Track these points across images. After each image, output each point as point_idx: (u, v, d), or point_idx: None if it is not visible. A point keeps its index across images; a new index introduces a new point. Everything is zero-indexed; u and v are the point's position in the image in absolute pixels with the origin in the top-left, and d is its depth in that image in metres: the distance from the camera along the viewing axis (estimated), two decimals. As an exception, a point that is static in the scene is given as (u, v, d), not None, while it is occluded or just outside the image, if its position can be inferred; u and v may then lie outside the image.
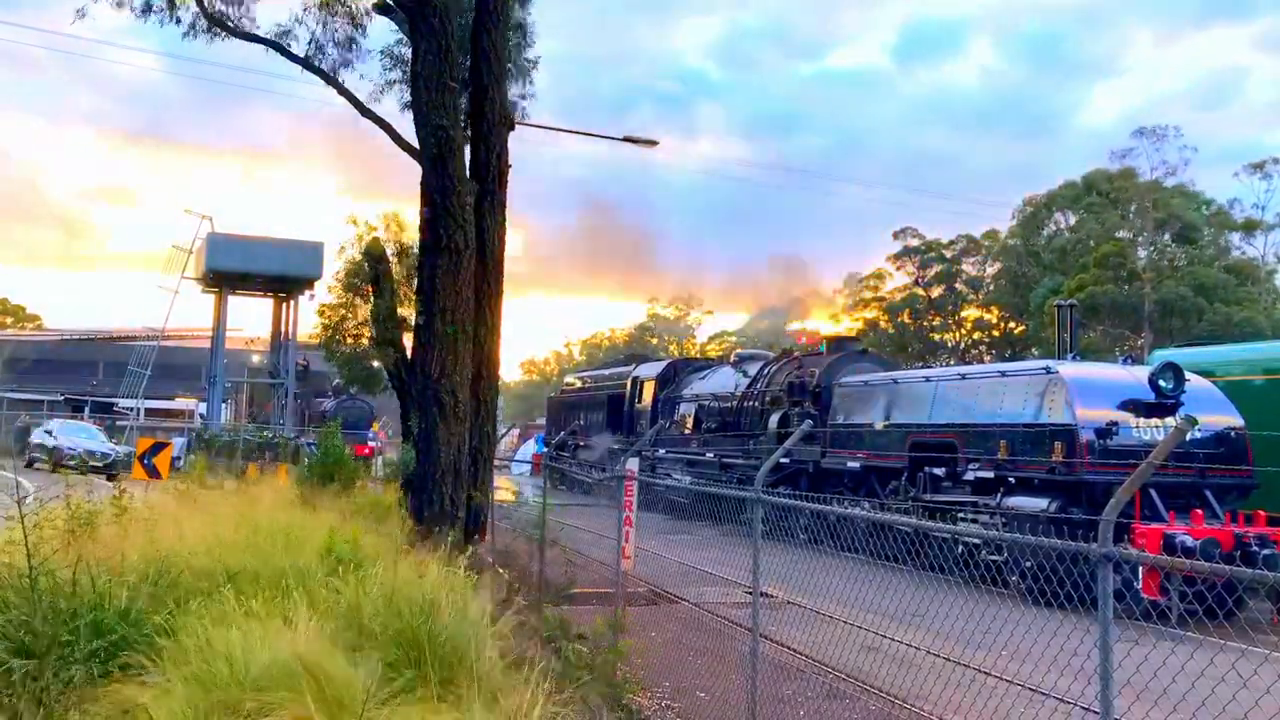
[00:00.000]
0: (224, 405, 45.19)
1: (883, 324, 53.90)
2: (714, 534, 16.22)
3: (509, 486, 24.18)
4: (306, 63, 13.48)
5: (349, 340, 14.71)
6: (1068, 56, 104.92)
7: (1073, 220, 45.15)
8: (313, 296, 38.02)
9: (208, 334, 44.74)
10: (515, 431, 55.27)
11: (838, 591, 7.23)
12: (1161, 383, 13.10)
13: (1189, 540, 11.26)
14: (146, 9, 13.08)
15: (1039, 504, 13.21)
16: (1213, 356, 16.78)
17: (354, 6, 13.88)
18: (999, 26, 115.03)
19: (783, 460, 17.15)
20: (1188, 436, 12.34)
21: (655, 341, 74.68)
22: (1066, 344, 16.00)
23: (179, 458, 24.72)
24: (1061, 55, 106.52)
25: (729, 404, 24.25)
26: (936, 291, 53.00)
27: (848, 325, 53.11)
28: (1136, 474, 3.35)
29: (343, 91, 13.12)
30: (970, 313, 53.75)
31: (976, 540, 12.69)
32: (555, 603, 10.00)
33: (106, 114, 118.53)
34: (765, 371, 23.69)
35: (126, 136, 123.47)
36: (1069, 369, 14.07)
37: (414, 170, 11.68)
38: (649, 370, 30.35)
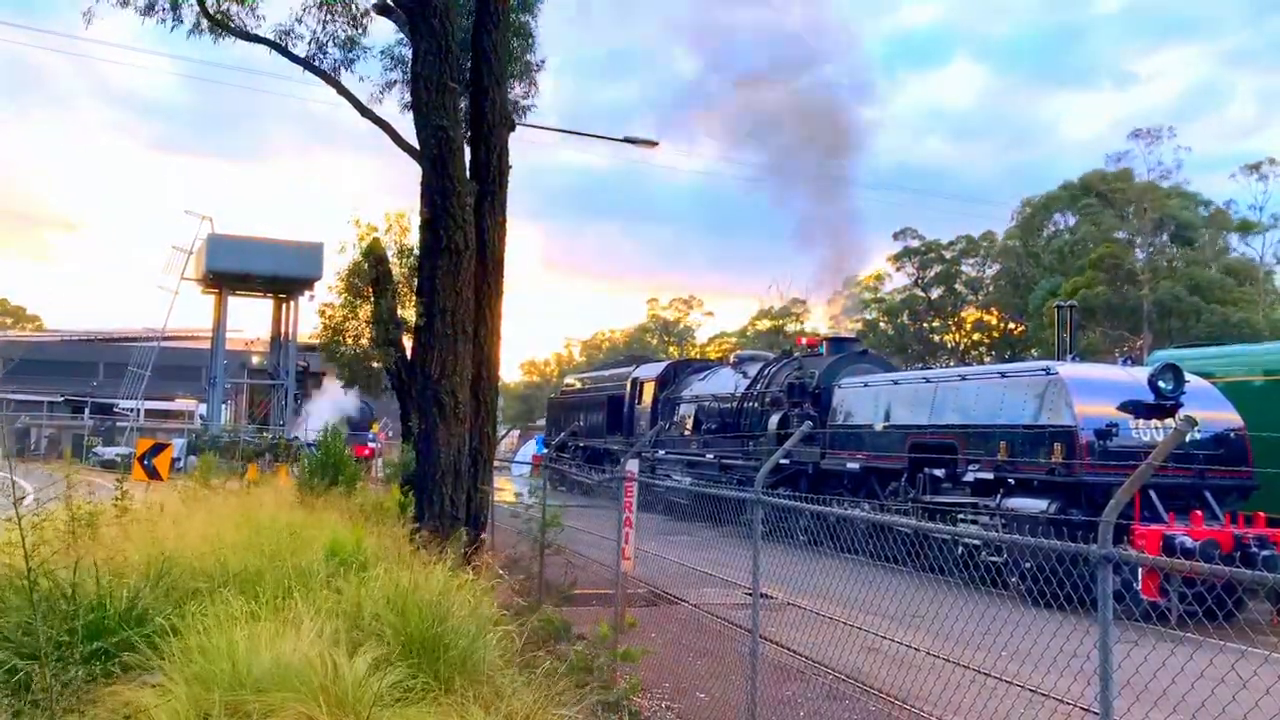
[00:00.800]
0: (224, 406, 45.20)
1: (882, 325, 53.93)
2: (714, 535, 16.24)
3: (509, 487, 24.18)
4: (307, 63, 13.48)
5: (349, 341, 14.70)
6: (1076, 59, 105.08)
7: (1072, 222, 45.23)
8: (313, 297, 38.03)
9: (208, 335, 44.77)
10: (515, 433, 55.26)
11: (838, 593, 7.24)
12: (1161, 384, 13.11)
13: (1188, 541, 11.28)
14: (150, 9, 13.06)
15: (1039, 505, 13.23)
16: (1212, 357, 16.79)
17: (354, 7, 13.88)
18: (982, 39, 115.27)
19: (782, 461, 17.18)
20: (1187, 438, 12.36)
21: (655, 342, 74.67)
22: (1066, 345, 16.02)
23: (179, 459, 24.74)
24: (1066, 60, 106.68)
25: (729, 405, 24.26)
26: (936, 292, 53.04)
27: (846, 327, 53.10)
28: (1136, 475, 3.36)
29: (343, 92, 13.11)
30: (970, 314, 53.79)
31: (976, 541, 12.70)
32: (556, 604, 10.02)
33: (107, 114, 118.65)
34: (765, 372, 23.71)
35: (127, 137, 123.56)
36: (1068, 370, 14.08)
37: (414, 170, 11.70)
38: (649, 371, 30.36)
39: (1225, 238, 44.52)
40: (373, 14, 13.51)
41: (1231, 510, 12.67)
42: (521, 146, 76.84)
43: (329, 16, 13.76)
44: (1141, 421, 13.09)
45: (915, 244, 52.63)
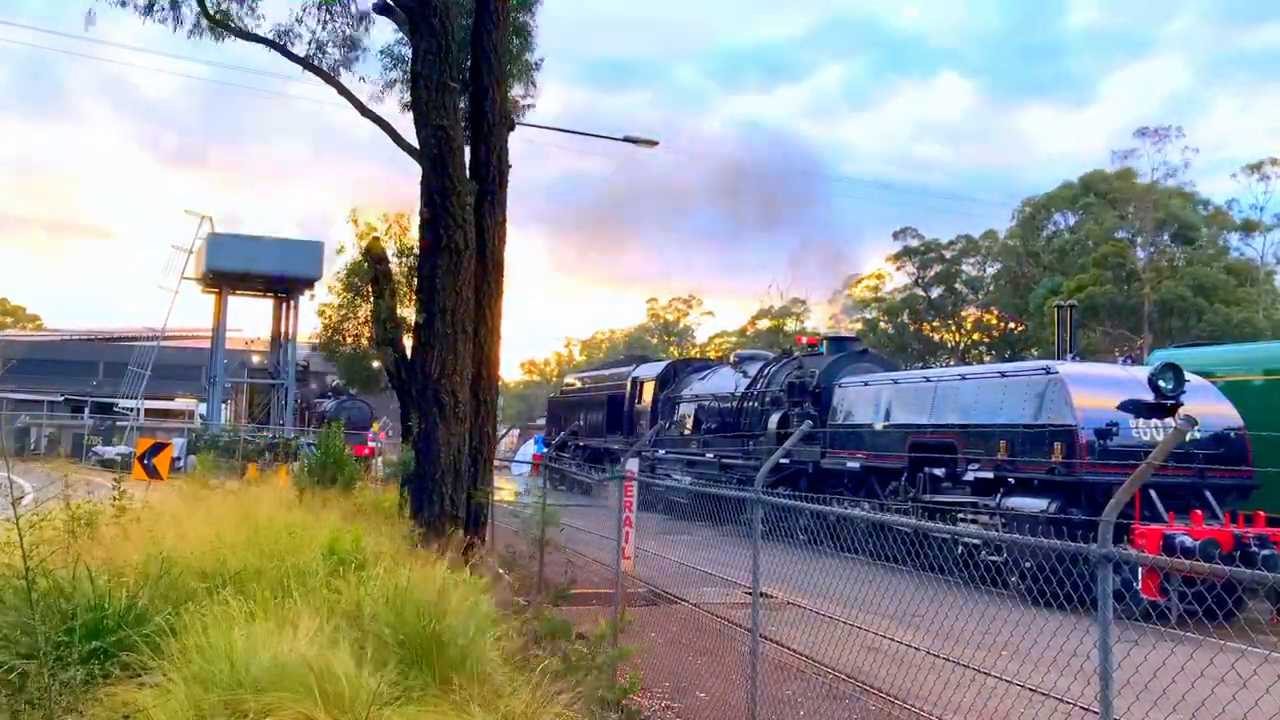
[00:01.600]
0: (224, 405, 45.20)
1: (882, 325, 53.91)
2: (714, 534, 16.22)
3: (509, 487, 24.18)
4: (307, 63, 13.47)
5: (349, 340, 14.71)
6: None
7: (1072, 221, 45.22)
8: (313, 297, 38.04)
9: (208, 334, 44.79)
10: (515, 432, 55.27)
11: (838, 592, 7.23)
12: (1161, 383, 13.11)
13: (1188, 541, 11.27)
14: (150, 9, 13.06)
15: (1039, 504, 13.22)
16: (1212, 357, 16.78)
17: (354, 6, 13.88)
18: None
19: (782, 461, 17.16)
20: (1187, 437, 12.35)
21: (655, 342, 74.68)
22: (1066, 344, 16.00)
23: (179, 458, 24.74)
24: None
25: (729, 404, 24.25)
26: (936, 292, 53.01)
27: (847, 326, 53.12)
28: (1136, 474, 3.35)
29: (343, 92, 13.11)
30: (970, 313, 53.76)
31: (976, 541, 12.69)
32: (555, 603, 10.01)
33: (107, 114, 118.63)
34: (765, 372, 23.70)
35: (127, 137, 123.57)
36: (1069, 369, 14.07)
37: (414, 170, 11.69)
38: (649, 371, 30.36)
39: (1226, 238, 44.54)
40: (373, 14, 13.51)
41: (1231, 509, 12.66)
42: (522, 146, 76.94)
43: (329, 16, 13.76)
44: (1141, 421, 13.09)
45: (915, 243, 52.64)
